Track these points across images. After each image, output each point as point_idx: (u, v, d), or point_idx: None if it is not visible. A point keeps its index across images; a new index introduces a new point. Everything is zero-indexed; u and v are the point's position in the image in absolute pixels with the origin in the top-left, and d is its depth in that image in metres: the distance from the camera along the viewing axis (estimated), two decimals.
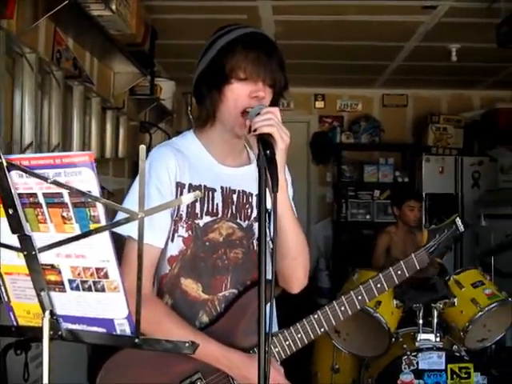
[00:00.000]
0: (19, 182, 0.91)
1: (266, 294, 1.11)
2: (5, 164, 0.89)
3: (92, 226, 0.91)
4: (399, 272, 1.63)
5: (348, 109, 6.76)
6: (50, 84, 2.94)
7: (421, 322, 3.03)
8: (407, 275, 1.64)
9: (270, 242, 1.37)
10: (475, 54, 4.92)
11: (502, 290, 3.11)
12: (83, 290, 0.97)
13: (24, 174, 0.90)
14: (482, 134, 6.29)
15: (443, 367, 2.94)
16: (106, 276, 0.95)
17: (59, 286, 0.98)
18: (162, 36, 4.29)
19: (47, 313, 0.98)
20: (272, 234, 1.23)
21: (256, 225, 1.48)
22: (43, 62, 2.86)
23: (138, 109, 4.64)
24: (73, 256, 0.95)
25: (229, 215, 1.47)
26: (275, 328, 1.54)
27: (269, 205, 1.20)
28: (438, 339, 2.99)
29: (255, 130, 1.27)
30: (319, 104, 6.77)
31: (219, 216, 1.46)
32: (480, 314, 2.96)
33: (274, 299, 1.44)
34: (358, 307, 1.58)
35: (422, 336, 3.02)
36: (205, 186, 1.45)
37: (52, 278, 0.97)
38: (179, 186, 1.42)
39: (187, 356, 1.19)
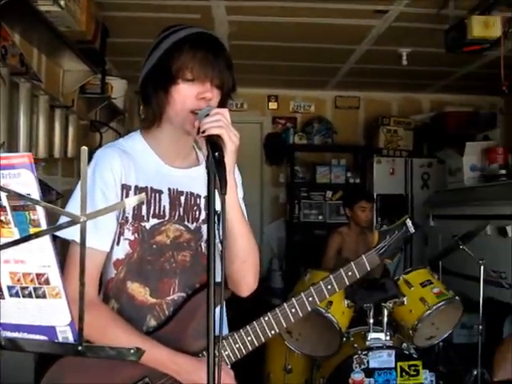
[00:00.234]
0: None
1: (215, 297, 1.09)
2: None
3: (32, 230, 0.87)
4: (350, 273, 1.64)
5: (301, 110, 6.80)
6: None
7: (371, 321, 3.07)
8: (358, 276, 1.65)
9: (219, 245, 1.36)
10: (425, 59, 5.04)
11: (449, 288, 3.19)
12: (23, 296, 0.93)
13: None
14: (431, 137, 6.44)
15: (393, 365, 3.00)
16: (47, 282, 0.91)
17: None
18: (113, 34, 4.22)
19: None
20: (221, 236, 1.22)
21: (204, 227, 1.46)
22: None
23: (88, 107, 4.54)
24: (11, 261, 0.91)
25: (176, 217, 1.45)
26: (225, 331, 1.53)
27: (218, 207, 1.19)
28: (388, 338, 3.05)
29: (204, 132, 1.26)
30: (272, 105, 6.79)
31: (166, 218, 1.44)
32: (428, 312, 3.02)
33: (225, 302, 1.43)
34: (309, 309, 1.59)
35: (372, 335, 3.06)
36: (151, 188, 1.43)
37: None
38: (125, 188, 1.39)
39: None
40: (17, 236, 0.88)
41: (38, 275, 0.91)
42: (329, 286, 1.62)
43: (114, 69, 5.24)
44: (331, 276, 1.63)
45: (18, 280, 0.92)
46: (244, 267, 1.44)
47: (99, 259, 1.37)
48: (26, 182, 0.85)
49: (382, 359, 3.00)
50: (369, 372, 2.98)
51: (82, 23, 3.34)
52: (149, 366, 1.35)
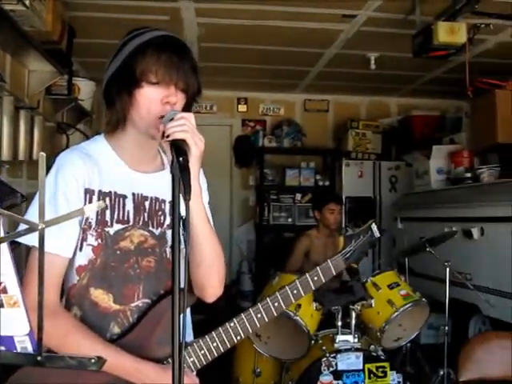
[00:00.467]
0: None
1: (180, 303, 1.08)
2: None
3: None
4: (315, 278, 1.65)
5: (270, 113, 6.82)
6: None
7: (340, 323, 3.08)
8: (323, 281, 1.66)
9: (184, 250, 1.34)
10: (393, 63, 5.11)
11: (416, 290, 3.23)
12: None
13: None
14: (399, 140, 6.53)
15: (361, 367, 3.01)
16: (4, 291, 0.89)
17: None
18: (81, 34, 4.15)
19: None
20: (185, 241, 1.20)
21: (169, 232, 1.44)
22: None
23: (54, 109, 4.47)
24: None
25: (141, 222, 1.42)
26: (190, 337, 1.52)
27: (183, 212, 1.17)
28: (356, 340, 3.06)
29: (168, 136, 1.24)
30: (242, 108, 6.79)
31: (130, 223, 1.41)
32: (396, 314, 3.05)
33: (193, 306, 1.41)
34: (275, 314, 1.58)
35: (340, 337, 3.07)
36: (115, 193, 1.40)
37: None
38: (88, 193, 1.36)
39: None
40: None
41: None
42: (295, 291, 1.62)
43: (82, 70, 5.17)
44: (297, 281, 1.63)
45: None
46: (209, 272, 1.43)
47: (61, 265, 1.34)
48: None
49: (350, 361, 3.02)
50: (337, 374, 2.99)
51: (47, 23, 3.29)
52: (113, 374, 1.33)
